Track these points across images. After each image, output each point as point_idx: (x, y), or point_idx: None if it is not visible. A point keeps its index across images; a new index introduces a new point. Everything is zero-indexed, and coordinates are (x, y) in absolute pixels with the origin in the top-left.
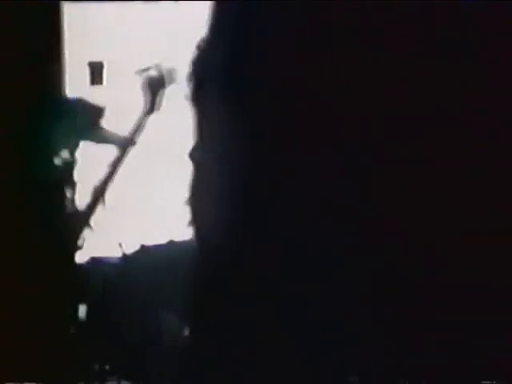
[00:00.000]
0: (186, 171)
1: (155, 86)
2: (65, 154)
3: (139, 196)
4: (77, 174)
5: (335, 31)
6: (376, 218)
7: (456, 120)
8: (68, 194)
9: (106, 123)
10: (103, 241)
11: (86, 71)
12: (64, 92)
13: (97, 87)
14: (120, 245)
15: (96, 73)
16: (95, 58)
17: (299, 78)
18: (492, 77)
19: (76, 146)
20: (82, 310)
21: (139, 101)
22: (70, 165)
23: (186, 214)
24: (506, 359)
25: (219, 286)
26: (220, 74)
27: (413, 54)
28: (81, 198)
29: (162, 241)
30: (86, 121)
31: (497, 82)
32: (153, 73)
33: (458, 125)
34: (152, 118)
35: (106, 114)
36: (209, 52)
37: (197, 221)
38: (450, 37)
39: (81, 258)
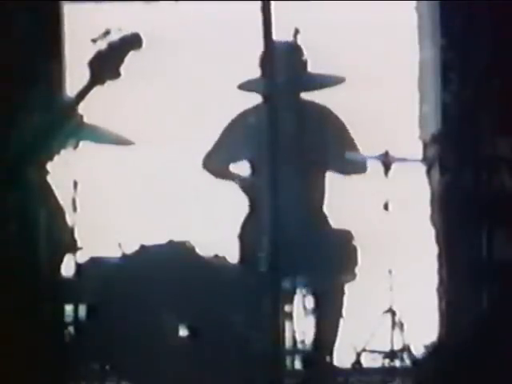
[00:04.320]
0: (185, 171)
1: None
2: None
3: (139, 196)
4: (76, 175)
5: None
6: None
7: None
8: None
9: (106, 123)
10: (103, 241)
11: (86, 71)
12: (64, 92)
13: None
14: (120, 245)
15: None
16: None
17: None
18: None
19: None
20: (82, 309)
21: (139, 100)
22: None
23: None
24: None
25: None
26: None
27: None
28: (80, 199)
29: (162, 241)
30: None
31: None
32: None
33: None
34: (150, 117)
35: (106, 113)
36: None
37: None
38: None
39: (81, 257)
